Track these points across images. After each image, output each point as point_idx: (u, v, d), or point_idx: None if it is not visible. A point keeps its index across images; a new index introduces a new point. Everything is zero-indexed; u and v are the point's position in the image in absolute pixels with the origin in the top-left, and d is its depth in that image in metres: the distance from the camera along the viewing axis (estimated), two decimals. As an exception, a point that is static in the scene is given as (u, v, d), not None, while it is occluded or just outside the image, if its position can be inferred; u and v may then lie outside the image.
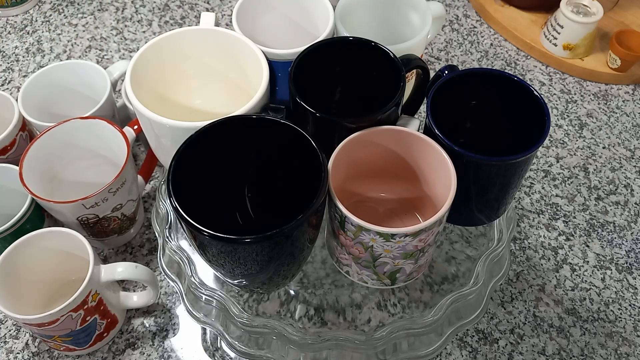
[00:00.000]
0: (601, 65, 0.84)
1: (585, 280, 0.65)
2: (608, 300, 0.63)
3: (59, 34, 0.89)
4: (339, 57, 0.52)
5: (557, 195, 0.72)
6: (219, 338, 0.59)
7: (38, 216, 0.60)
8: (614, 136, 0.78)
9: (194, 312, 0.53)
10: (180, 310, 0.61)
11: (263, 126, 0.46)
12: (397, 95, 0.47)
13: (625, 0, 0.91)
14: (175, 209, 0.41)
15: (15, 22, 0.91)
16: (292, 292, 0.56)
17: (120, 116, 0.71)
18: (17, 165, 0.57)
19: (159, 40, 0.53)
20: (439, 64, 0.86)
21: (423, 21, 0.60)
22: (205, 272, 0.54)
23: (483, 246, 0.58)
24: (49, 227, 0.57)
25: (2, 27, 0.90)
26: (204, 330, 0.60)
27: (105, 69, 0.69)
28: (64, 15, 0.92)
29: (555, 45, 0.83)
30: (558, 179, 0.73)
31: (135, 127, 0.61)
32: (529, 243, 0.67)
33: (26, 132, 0.67)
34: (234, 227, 0.52)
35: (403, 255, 0.45)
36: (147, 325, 0.61)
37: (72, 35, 0.89)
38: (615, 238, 0.68)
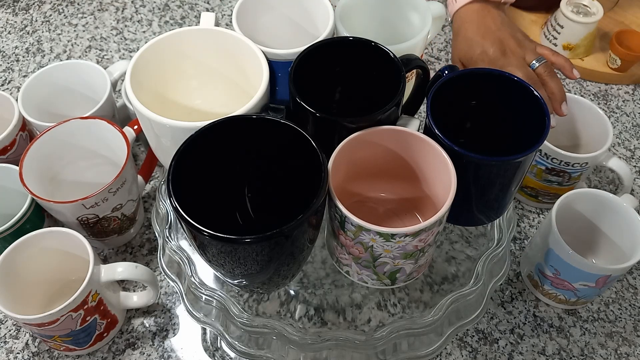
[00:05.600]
0: (601, 65, 0.84)
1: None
2: (608, 300, 0.63)
3: (59, 34, 0.89)
4: (339, 57, 0.52)
5: (557, 195, 0.72)
6: (219, 338, 0.59)
7: (38, 216, 0.60)
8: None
9: (194, 312, 0.53)
10: (180, 310, 0.61)
11: (263, 126, 0.46)
12: (397, 95, 0.47)
13: (625, 0, 0.91)
14: (175, 209, 0.41)
15: (15, 22, 0.91)
16: (292, 292, 0.56)
17: (120, 116, 0.71)
18: (17, 165, 0.57)
19: (159, 40, 0.53)
20: (439, 64, 0.86)
21: (423, 21, 0.60)
22: (205, 272, 0.54)
23: (483, 246, 0.58)
24: (49, 227, 0.57)
25: (2, 27, 0.90)
26: (204, 330, 0.60)
27: (105, 69, 0.69)
28: (64, 15, 0.92)
29: (555, 45, 0.83)
30: (558, 179, 0.73)
31: (135, 127, 0.61)
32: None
33: (26, 132, 0.67)
34: (234, 227, 0.52)
35: (403, 255, 0.45)
36: (147, 325, 0.61)
37: (72, 35, 0.89)
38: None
